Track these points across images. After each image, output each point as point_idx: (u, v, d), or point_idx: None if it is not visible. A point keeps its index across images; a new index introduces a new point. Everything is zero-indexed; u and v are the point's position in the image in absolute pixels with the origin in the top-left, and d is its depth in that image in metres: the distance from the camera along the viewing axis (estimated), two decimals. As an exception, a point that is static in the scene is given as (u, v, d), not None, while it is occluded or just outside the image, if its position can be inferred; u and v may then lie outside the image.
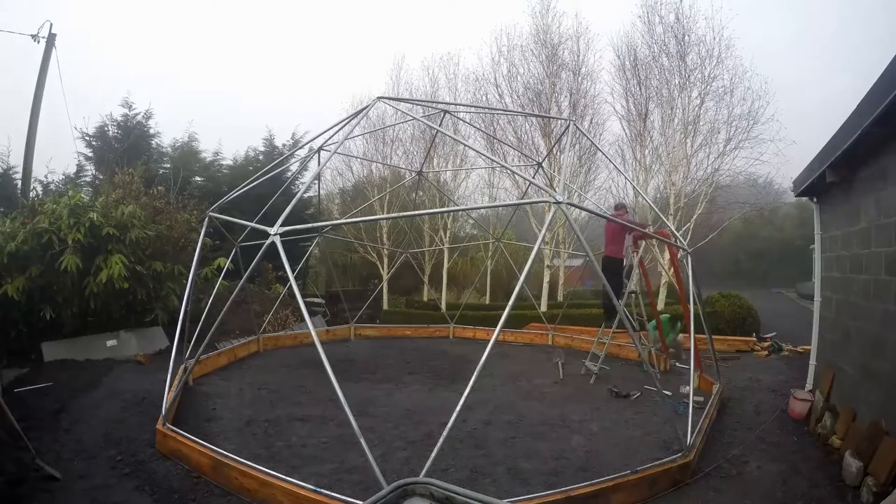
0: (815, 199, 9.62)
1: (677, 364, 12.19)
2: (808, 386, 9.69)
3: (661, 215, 12.79)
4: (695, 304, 9.32)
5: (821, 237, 9.51)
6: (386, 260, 25.95)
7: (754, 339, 15.50)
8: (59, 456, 6.74)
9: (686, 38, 20.14)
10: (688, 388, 9.20)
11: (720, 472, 6.67)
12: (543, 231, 7.95)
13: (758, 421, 8.63)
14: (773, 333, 15.34)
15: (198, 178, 23.95)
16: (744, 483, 6.36)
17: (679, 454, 6.46)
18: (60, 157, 42.05)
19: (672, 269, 13.17)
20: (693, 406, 7.46)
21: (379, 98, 10.42)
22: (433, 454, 5.24)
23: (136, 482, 6.19)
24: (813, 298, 9.89)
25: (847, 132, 6.60)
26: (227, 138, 62.71)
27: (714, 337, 10.81)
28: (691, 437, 6.80)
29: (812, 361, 9.81)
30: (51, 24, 16.82)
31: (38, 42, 16.68)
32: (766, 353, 14.26)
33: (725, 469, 6.75)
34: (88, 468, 6.50)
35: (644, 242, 13.35)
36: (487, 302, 26.56)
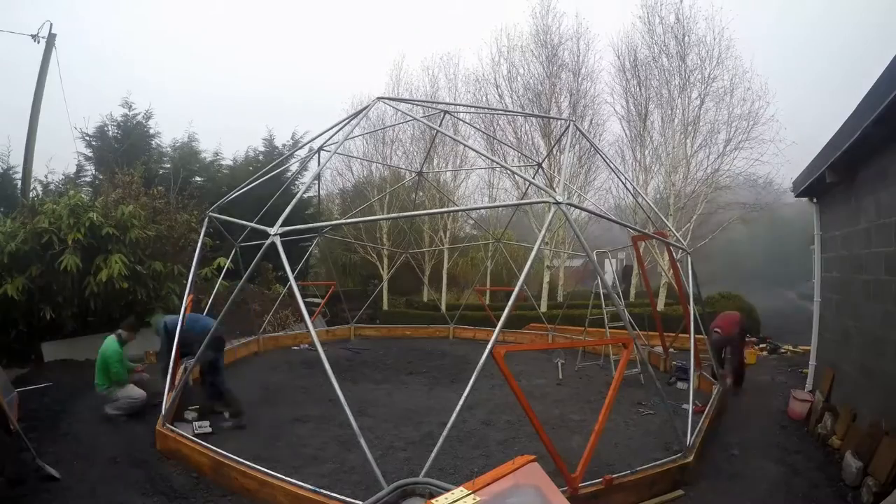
0: (815, 200, 9.63)
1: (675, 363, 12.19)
2: (808, 386, 9.70)
3: (660, 216, 12.80)
4: (694, 304, 9.33)
5: (821, 237, 9.52)
6: (386, 260, 25.88)
7: (753, 339, 15.49)
8: (60, 456, 6.76)
9: (686, 38, 20.10)
10: (685, 384, 9.21)
11: (720, 472, 6.68)
12: (543, 231, 7.95)
13: (757, 422, 8.63)
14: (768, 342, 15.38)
15: (198, 178, 23.94)
16: (744, 484, 6.37)
17: (679, 455, 6.47)
18: (60, 157, 41.90)
19: (671, 270, 13.14)
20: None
21: (379, 98, 10.44)
22: (433, 454, 5.25)
23: (136, 482, 6.21)
24: (813, 299, 9.89)
25: (847, 133, 6.61)
26: (226, 138, 62.74)
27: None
28: (691, 437, 6.80)
29: (812, 361, 9.83)
30: (51, 25, 16.83)
31: (38, 42, 16.68)
32: (763, 352, 14.28)
33: (726, 470, 6.75)
34: (88, 468, 6.52)
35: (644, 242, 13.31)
36: (487, 302, 26.64)
